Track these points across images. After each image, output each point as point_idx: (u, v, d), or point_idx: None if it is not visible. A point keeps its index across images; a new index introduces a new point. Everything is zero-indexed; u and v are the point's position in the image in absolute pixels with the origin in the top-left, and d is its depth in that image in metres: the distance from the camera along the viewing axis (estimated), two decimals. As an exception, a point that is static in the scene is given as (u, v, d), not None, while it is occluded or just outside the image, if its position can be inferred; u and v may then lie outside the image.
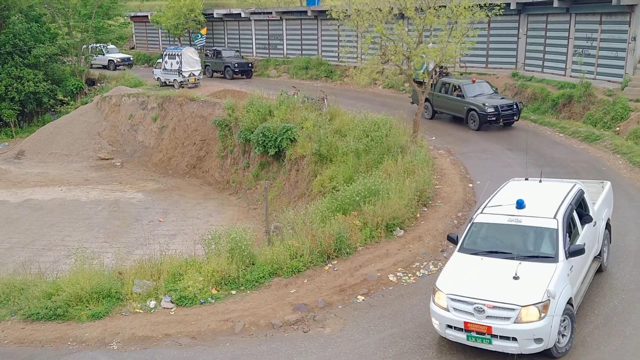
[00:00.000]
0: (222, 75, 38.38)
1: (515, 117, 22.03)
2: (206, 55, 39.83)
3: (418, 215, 14.24)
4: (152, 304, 10.90)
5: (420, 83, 21.66)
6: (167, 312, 10.71)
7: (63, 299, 10.82)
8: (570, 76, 24.57)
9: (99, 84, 38.96)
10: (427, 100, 22.82)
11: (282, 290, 11.23)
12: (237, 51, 41.23)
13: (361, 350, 9.24)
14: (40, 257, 17.75)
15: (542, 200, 9.78)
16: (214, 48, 40.64)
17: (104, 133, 31.18)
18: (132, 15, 50.93)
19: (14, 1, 35.95)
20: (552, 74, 26.48)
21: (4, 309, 11.12)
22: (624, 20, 22.86)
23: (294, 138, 21.37)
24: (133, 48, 53.77)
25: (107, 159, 29.64)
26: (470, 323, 8.32)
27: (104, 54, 44.39)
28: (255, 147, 22.78)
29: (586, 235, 9.78)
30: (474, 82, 23.20)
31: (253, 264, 11.87)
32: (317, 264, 11.98)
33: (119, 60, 44.18)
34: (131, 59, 45.48)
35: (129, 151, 30.12)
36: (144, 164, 28.86)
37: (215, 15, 43.94)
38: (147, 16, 49.04)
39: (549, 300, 8.05)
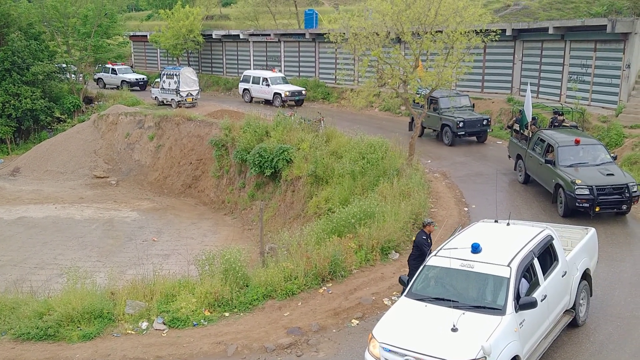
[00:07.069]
0: (437, 137, 24.87)
1: (624, 206, 14.82)
2: (413, 102, 23.49)
3: (414, 238, 14.19)
4: (144, 325, 10.80)
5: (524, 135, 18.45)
6: (159, 333, 10.60)
7: (54, 319, 10.70)
8: (565, 102, 24.75)
9: (96, 102, 39.07)
10: (520, 158, 18.55)
11: (276, 313, 11.15)
12: (466, 99, 25.12)
13: (355, 375, 9.15)
14: (32, 275, 17.58)
15: (501, 245, 8.98)
16: (430, 95, 21.58)
17: (100, 151, 31.17)
18: (131, 34, 51.39)
19: (13, 19, 36.25)
20: (547, 99, 26.69)
21: (-6, 328, 10.99)
22: (618, 48, 23.16)
23: (290, 159, 21.42)
24: (131, 67, 54.03)
25: (102, 177, 29.59)
26: None
27: (116, 74, 44.27)
28: (252, 168, 22.80)
29: (551, 286, 8.96)
30: (577, 143, 16.03)
31: (247, 286, 11.79)
32: (312, 287, 11.92)
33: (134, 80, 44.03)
34: (145, 79, 45.19)
35: (125, 170, 30.07)
36: (139, 183, 28.80)
37: (214, 37, 44.29)
38: (146, 36, 49.39)
39: (484, 357, 7.28)
